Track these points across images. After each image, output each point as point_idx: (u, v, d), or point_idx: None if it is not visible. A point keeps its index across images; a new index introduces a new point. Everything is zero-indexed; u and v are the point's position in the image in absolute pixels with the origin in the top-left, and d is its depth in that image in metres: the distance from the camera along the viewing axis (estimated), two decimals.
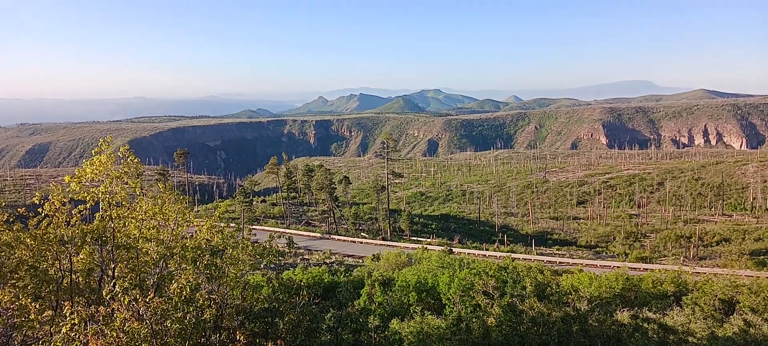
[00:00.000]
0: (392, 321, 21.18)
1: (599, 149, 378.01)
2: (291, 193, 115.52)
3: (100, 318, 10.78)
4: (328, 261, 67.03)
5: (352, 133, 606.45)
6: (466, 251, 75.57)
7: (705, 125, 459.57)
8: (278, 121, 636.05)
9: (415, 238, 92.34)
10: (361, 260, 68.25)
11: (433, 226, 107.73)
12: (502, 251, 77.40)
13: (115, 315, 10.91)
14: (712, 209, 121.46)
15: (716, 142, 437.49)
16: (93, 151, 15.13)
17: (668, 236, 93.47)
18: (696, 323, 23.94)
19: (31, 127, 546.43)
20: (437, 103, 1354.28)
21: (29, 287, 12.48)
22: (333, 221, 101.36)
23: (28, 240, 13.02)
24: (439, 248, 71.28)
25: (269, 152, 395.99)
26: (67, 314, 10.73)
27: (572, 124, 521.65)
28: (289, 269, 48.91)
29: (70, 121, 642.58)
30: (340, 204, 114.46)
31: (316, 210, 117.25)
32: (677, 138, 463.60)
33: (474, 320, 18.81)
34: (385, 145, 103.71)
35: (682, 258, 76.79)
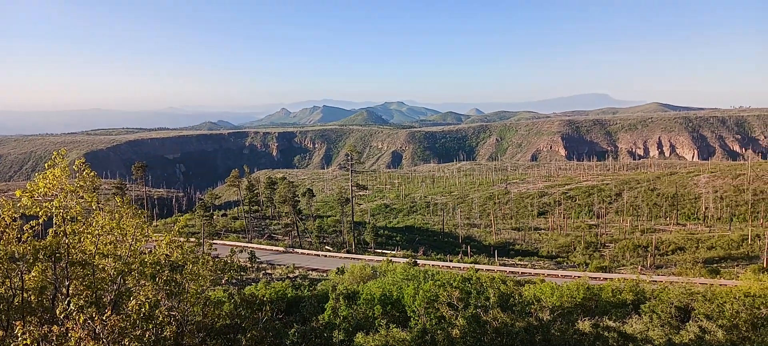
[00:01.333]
0: (357, 335, 21.04)
1: (558, 161, 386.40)
2: (253, 206, 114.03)
3: (54, 338, 10.38)
4: (291, 275, 66.24)
5: (316, 146, 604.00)
6: (431, 262, 75.77)
7: (659, 137, 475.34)
8: (240, 133, 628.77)
9: (380, 250, 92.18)
10: (325, 274, 67.72)
11: (398, 238, 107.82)
12: (465, 262, 77.89)
13: (69, 335, 10.52)
14: (668, 218, 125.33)
15: (670, 154, 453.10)
16: (46, 165, 14.64)
17: (626, 246, 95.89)
18: (654, 330, 24.58)
19: None
20: (401, 116, 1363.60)
21: None
22: (296, 234, 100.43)
23: None
24: (404, 260, 71.30)
25: (230, 165, 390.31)
26: (19, 335, 10.30)
27: (532, 137, 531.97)
28: (251, 284, 48.12)
29: (21, 133, 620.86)
30: (303, 217, 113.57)
31: (279, 224, 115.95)
32: (633, 150, 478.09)
33: (439, 332, 18.86)
34: (349, 158, 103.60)
35: (639, 267, 78.77)
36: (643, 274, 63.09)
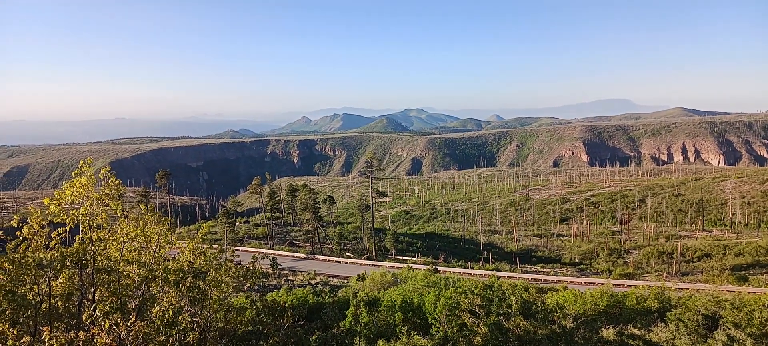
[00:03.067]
0: (378, 342, 20.99)
1: (581, 167, 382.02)
2: (274, 213, 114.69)
3: (80, 343, 10.52)
4: (312, 282, 66.38)
5: (336, 153, 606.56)
6: (452, 269, 75.38)
7: (683, 143, 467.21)
8: (261, 141, 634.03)
9: (400, 257, 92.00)
10: (346, 281, 67.72)
11: (418, 245, 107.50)
12: (487, 269, 77.28)
13: (95, 340, 10.66)
14: (693, 224, 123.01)
15: (694, 160, 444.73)
16: (73, 173, 14.91)
17: (651, 253, 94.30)
18: (680, 338, 24.07)
19: (10, 149, 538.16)
20: (420, 123, 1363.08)
21: (7, 313, 12.16)
22: (317, 241, 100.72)
23: (6, 264, 12.72)
24: (425, 266, 71.04)
25: (252, 173, 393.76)
26: (46, 340, 10.46)
27: (553, 143, 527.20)
28: (273, 291, 48.37)
29: (49, 143, 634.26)
30: (324, 224, 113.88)
31: (300, 230, 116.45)
32: (657, 155, 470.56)
33: (460, 339, 18.71)
34: (369, 164, 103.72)
35: (664, 274, 77.40)
36: (669, 281, 61.96)
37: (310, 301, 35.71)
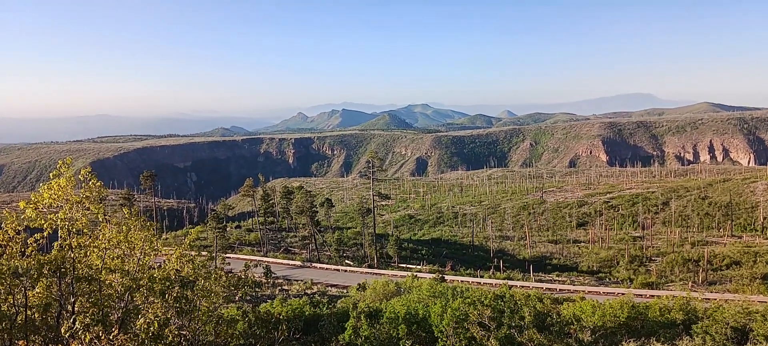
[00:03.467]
0: None
1: (599, 167, 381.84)
2: (268, 217, 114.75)
3: None
4: (309, 292, 66.45)
5: (335, 152, 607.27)
6: (460, 278, 75.43)
7: (710, 140, 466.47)
8: (254, 140, 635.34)
9: (404, 265, 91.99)
10: (345, 290, 67.80)
11: (424, 251, 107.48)
12: (498, 278, 77.30)
13: None
14: (721, 229, 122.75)
15: (723, 159, 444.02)
16: (51, 174, 14.93)
17: (675, 260, 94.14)
18: None
19: None
20: (425, 119, 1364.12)
21: None
22: (314, 247, 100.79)
23: None
24: (431, 275, 71.06)
25: (244, 173, 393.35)
26: None
27: (570, 141, 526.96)
28: (266, 301, 48.39)
29: (25, 141, 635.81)
30: (322, 229, 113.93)
31: (295, 236, 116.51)
32: (681, 154, 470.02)
33: None
34: (371, 165, 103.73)
35: (690, 283, 77.27)
36: (695, 291, 61.86)
37: (307, 312, 35.72)
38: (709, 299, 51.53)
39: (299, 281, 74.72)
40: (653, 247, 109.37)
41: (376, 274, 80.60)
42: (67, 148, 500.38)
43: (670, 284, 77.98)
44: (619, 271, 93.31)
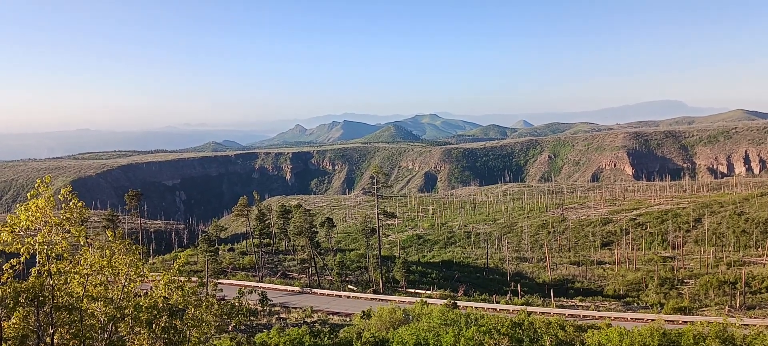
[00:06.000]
0: None
1: (624, 181, 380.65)
2: (264, 239, 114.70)
3: None
4: (309, 320, 66.29)
5: (336, 167, 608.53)
6: (474, 304, 75.17)
7: (746, 151, 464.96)
8: (248, 155, 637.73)
9: (412, 290, 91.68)
10: (348, 319, 67.61)
11: (434, 275, 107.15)
12: (515, 304, 77.00)
13: None
14: (760, 248, 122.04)
15: (760, 171, 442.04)
16: (29, 194, 14.96)
17: (709, 282, 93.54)
18: None
19: None
20: (434, 131, 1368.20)
21: None
22: (314, 271, 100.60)
23: None
24: (442, 301, 70.82)
25: (238, 191, 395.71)
26: None
27: (592, 153, 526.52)
28: (262, 331, 48.26)
29: (0, 159, 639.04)
30: (322, 251, 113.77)
31: (294, 259, 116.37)
32: (714, 166, 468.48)
33: None
34: (375, 181, 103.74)
35: (726, 308, 76.72)
36: (732, 316, 61.35)
37: (307, 343, 35.60)
38: (748, 325, 51.08)
39: (298, 309, 74.54)
40: (685, 268, 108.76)
41: (381, 300, 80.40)
42: (45, 165, 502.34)
43: (704, 309, 77.47)
44: (648, 295, 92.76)
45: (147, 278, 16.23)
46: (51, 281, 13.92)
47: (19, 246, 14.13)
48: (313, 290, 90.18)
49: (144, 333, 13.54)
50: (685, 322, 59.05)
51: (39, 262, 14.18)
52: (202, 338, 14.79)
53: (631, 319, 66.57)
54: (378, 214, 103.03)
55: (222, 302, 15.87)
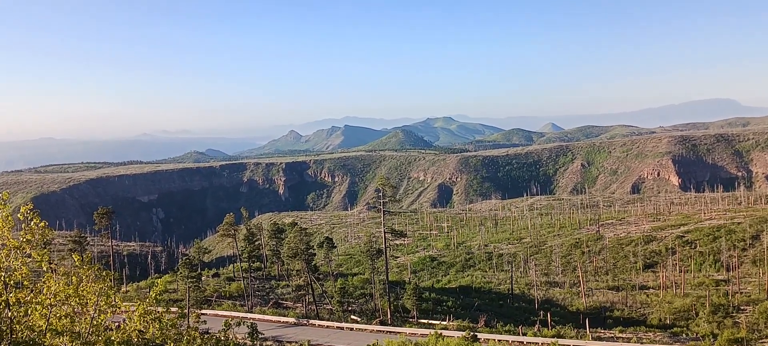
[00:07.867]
0: None
1: (670, 192, 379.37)
2: (253, 263, 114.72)
3: None
4: None
5: (336, 179, 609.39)
6: (497, 337, 74.83)
7: None
8: (235, 166, 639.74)
9: (425, 320, 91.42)
10: None
11: (450, 303, 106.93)
12: (545, 336, 76.63)
13: None
14: None
15: None
16: None
17: None
18: None
19: None
20: (449, 136, 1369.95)
21: None
22: (312, 299, 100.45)
23: None
24: (459, 333, 70.60)
25: (223, 208, 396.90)
26: None
27: (631, 160, 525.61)
28: None
29: None
30: (321, 276, 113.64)
31: (288, 286, 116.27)
32: None
33: None
34: (381, 194, 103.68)
35: None
36: None
37: None
38: None
39: (293, 343, 74.44)
40: (742, 293, 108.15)
41: (389, 333, 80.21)
42: (3, 179, 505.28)
43: (765, 340, 76.94)
44: (698, 324, 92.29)
45: (119, 308, 16.18)
46: (9, 313, 13.89)
47: None
48: (311, 321, 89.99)
49: None
50: None
51: None
52: None
53: None
54: (385, 232, 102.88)
55: (206, 336, 15.80)
